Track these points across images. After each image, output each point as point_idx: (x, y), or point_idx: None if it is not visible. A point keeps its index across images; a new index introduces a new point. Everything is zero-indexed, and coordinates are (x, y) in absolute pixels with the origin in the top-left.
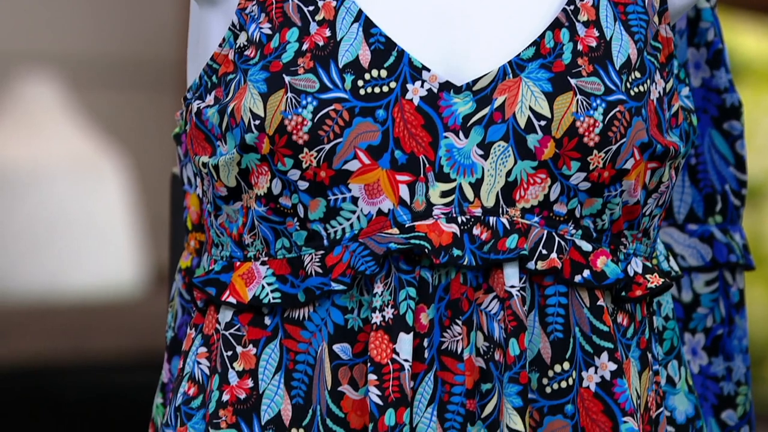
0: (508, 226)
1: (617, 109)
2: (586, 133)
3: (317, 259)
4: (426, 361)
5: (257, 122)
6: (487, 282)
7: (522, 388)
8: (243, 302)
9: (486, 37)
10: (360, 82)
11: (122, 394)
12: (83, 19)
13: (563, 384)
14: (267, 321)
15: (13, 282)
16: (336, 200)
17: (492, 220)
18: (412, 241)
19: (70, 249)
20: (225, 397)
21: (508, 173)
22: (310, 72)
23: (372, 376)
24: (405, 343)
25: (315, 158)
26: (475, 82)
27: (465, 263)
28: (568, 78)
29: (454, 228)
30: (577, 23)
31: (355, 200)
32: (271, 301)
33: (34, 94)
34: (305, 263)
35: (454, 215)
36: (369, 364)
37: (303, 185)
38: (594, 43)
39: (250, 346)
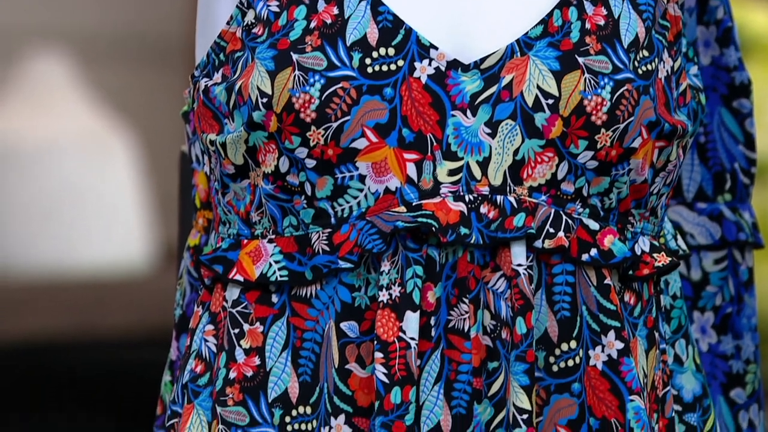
0: (515, 204)
1: (625, 87)
2: (594, 112)
3: (324, 237)
4: (433, 340)
5: (265, 100)
6: (494, 260)
7: (529, 367)
8: (250, 280)
9: (494, 15)
10: (368, 60)
11: (130, 371)
12: None
13: (570, 363)
14: (274, 299)
15: (22, 259)
16: (343, 178)
17: (499, 198)
18: (420, 219)
19: (78, 226)
20: (232, 375)
21: (516, 152)
22: (318, 50)
23: (378, 354)
24: (412, 321)
25: (322, 136)
26: (482, 60)
27: (472, 242)
28: (576, 56)
29: (461, 206)
30: (585, 1)
31: (362, 178)
32: (279, 278)
33: (42, 71)
34: (312, 241)
35: (462, 194)
36: (376, 342)
37: (310, 163)
38: (602, 22)
39: (257, 323)
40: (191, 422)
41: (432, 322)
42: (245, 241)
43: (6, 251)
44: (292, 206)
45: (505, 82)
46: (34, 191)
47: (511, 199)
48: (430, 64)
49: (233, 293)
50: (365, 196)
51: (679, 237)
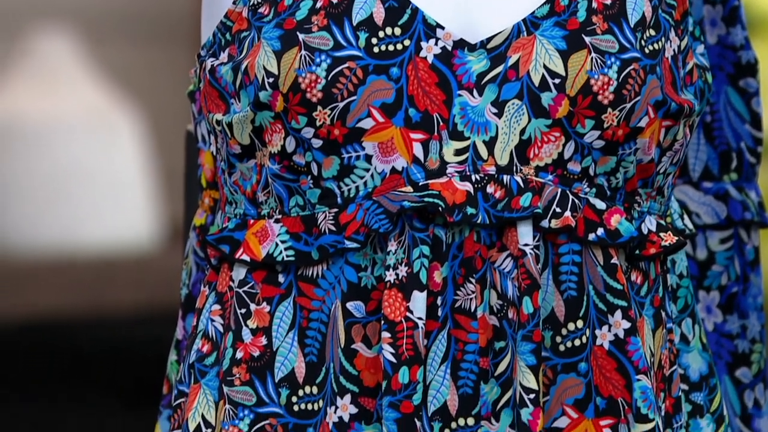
0: (522, 184)
1: (632, 67)
2: (601, 91)
3: (331, 217)
4: (439, 319)
5: (271, 80)
6: (500, 240)
7: (535, 346)
8: (257, 260)
9: None
10: (374, 40)
11: (137, 348)
12: None
13: (576, 342)
14: (281, 279)
15: (28, 237)
16: (350, 158)
17: (506, 178)
18: (426, 199)
19: (85, 203)
20: (239, 355)
21: (522, 131)
22: (324, 30)
23: (385, 334)
24: (418, 301)
25: (329, 116)
26: (489, 39)
27: (479, 221)
28: (583, 36)
29: (467, 186)
30: None
31: (368, 158)
32: (285, 258)
33: (48, 48)
34: (319, 221)
35: (468, 173)
36: (382, 322)
37: (317, 143)
38: (608, 1)
39: (264, 303)
40: (198, 402)
41: (439, 302)
42: (252, 221)
43: (11, 229)
44: (298, 186)
45: (511, 61)
46: (39, 169)
47: (518, 178)
48: (436, 44)
49: (240, 273)
50: (371, 176)
51: (685, 216)
